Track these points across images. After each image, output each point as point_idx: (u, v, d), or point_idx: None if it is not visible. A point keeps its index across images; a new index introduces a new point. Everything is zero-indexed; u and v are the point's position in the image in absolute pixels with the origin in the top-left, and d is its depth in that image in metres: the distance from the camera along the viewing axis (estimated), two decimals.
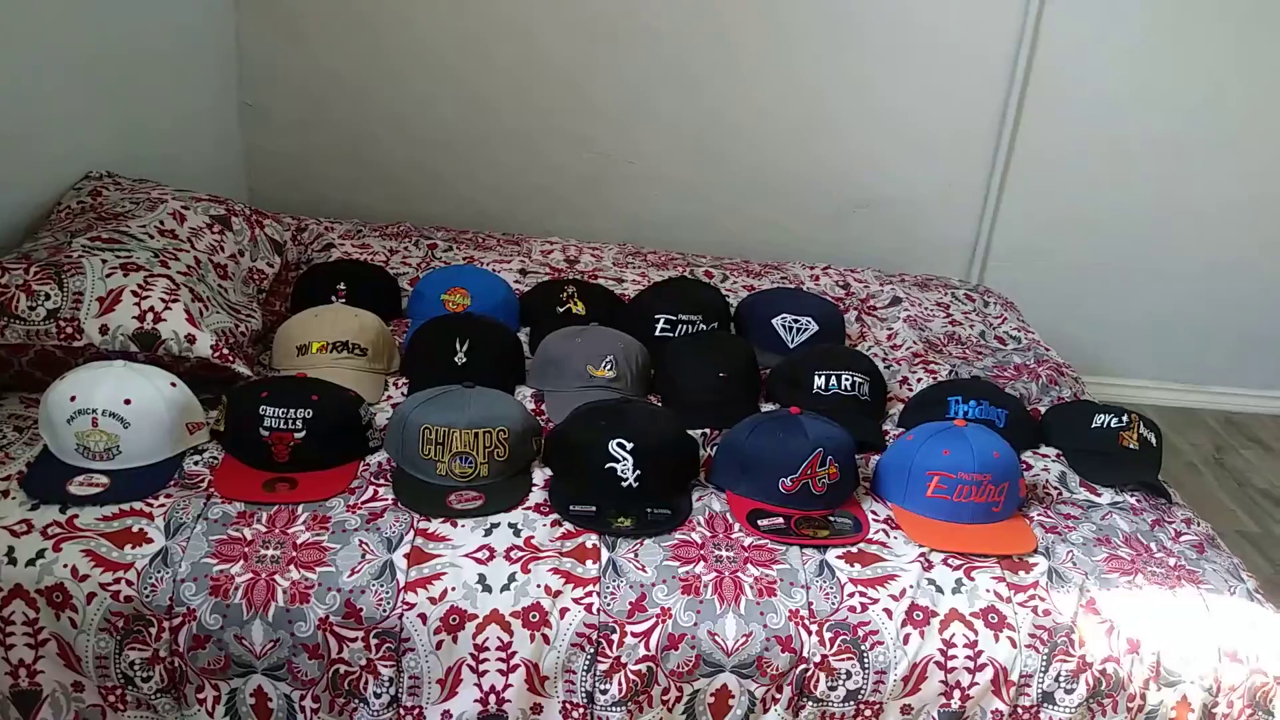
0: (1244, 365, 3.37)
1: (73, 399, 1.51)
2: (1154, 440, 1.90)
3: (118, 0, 2.27)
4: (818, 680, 1.43)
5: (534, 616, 1.41)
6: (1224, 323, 3.29)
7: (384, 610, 1.40)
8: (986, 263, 3.19)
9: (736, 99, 2.99)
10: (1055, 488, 1.78)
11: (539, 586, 1.43)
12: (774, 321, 2.16)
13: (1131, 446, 1.86)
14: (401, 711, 1.42)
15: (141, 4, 2.38)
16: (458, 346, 1.86)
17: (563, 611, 1.42)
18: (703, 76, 2.96)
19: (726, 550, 1.52)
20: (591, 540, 1.51)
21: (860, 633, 1.44)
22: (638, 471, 1.57)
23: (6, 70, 1.92)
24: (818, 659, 1.43)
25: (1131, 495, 1.78)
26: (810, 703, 1.44)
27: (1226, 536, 2.72)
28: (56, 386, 1.55)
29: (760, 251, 2.92)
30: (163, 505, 1.48)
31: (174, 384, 1.61)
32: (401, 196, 3.06)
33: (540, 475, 1.64)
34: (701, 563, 1.49)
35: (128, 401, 1.52)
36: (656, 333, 2.09)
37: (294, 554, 1.43)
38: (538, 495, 1.59)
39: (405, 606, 1.40)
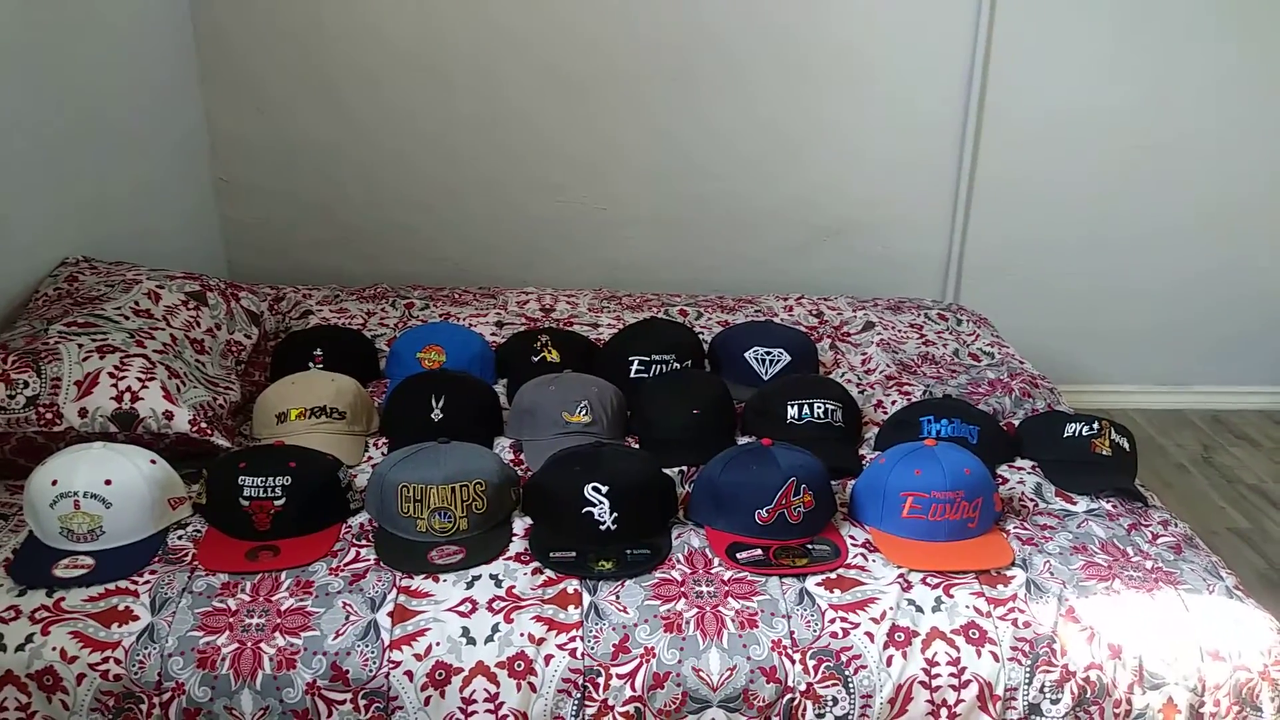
0: (1226, 364, 3.39)
1: (54, 483, 1.54)
2: (1127, 445, 1.92)
3: (81, 82, 2.31)
4: (804, 709, 1.44)
5: (519, 665, 1.42)
6: (1202, 322, 3.32)
7: (370, 670, 1.41)
8: (961, 280, 3.23)
9: (701, 138, 3.04)
10: (1031, 499, 1.80)
11: (522, 635, 1.44)
12: (746, 355, 2.19)
13: (1104, 453, 1.88)
14: None
15: (106, 84, 2.42)
16: (433, 403, 1.88)
17: (547, 658, 1.43)
18: (667, 118, 3.01)
19: (707, 585, 1.54)
20: (573, 585, 1.52)
21: (844, 658, 1.46)
22: (615, 514, 1.60)
23: None
24: (803, 688, 1.44)
25: (1107, 501, 1.80)
26: None
27: (1219, 535, 2.73)
28: (38, 472, 1.57)
29: (736, 286, 2.97)
30: (148, 582, 1.50)
31: (154, 461, 1.63)
32: (379, 257, 3.11)
33: (520, 525, 1.66)
34: (683, 599, 1.51)
35: (108, 482, 1.55)
36: (632, 374, 2.11)
37: (278, 620, 1.45)
38: (518, 545, 1.61)
39: (391, 665, 1.41)
